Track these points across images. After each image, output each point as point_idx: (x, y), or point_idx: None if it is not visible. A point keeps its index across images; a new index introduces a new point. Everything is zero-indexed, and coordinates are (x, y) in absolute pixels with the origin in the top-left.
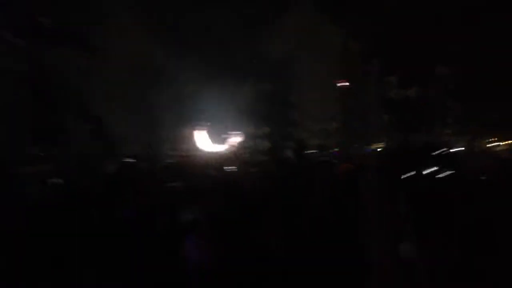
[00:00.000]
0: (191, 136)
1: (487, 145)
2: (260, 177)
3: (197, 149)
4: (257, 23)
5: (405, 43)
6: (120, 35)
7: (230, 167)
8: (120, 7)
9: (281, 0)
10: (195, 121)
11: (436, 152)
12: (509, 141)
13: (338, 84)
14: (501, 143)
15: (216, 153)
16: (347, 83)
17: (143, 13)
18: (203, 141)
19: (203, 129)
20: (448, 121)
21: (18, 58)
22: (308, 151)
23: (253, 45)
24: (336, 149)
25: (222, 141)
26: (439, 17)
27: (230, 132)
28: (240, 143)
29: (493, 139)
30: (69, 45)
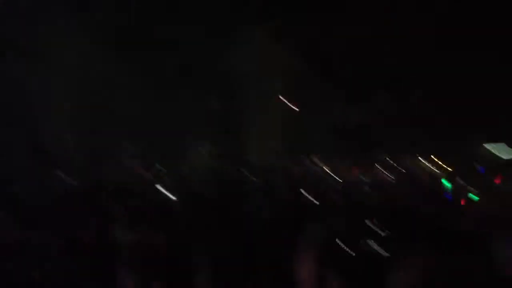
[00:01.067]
0: (135, 150)
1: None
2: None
3: (141, 165)
4: (207, 40)
5: (351, 65)
6: (63, 40)
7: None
8: (63, 12)
9: (230, 20)
10: (138, 135)
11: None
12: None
13: (286, 104)
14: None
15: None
16: (294, 103)
17: (92, 20)
18: (147, 157)
19: (148, 144)
20: (384, 143)
21: None
22: (252, 173)
23: (202, 61)
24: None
25: (166, 158)
26: (388, 42)
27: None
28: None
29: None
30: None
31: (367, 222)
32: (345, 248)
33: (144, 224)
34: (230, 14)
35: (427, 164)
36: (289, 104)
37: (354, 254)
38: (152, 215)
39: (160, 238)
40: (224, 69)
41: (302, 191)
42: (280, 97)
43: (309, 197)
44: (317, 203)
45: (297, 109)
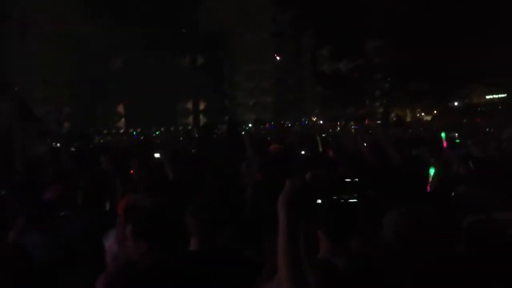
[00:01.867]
0: (122, 112)
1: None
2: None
3: (129, 127)
4: None
5: (336, 16)
6: (41, 5)
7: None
8: None
9: None
10: (125, 97)
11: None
12: (435, 112)
13: (273, 58)
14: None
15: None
16: (281, 57)
17: None
18: (135, 118)
19: (134, 105)
20: (377, 94)
21: None
22: (242, 127)
23: (187, 18)
24: (271, 123)
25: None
26: None
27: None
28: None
29: (420, 111)
30: None
31: (356, 174)
32: (333, 199)
33: (142, 185)
34: None
35: (423, 116)
36: (276, 56)
37: (341, 205)
38: (147, 175)
39: (156, 198)
40: (209, 23)
41: (292, 143)
42: (267, 51)
43: (300, 149)
44: (310, 154)
45: (284, 62)
